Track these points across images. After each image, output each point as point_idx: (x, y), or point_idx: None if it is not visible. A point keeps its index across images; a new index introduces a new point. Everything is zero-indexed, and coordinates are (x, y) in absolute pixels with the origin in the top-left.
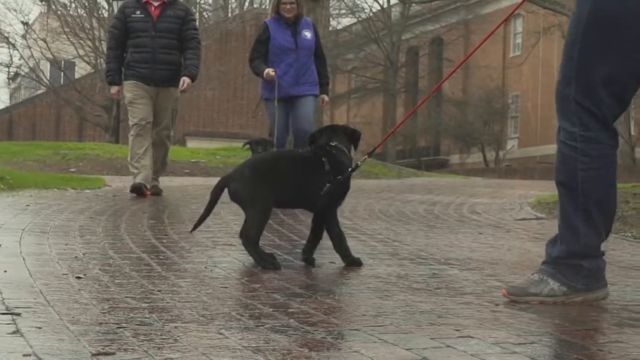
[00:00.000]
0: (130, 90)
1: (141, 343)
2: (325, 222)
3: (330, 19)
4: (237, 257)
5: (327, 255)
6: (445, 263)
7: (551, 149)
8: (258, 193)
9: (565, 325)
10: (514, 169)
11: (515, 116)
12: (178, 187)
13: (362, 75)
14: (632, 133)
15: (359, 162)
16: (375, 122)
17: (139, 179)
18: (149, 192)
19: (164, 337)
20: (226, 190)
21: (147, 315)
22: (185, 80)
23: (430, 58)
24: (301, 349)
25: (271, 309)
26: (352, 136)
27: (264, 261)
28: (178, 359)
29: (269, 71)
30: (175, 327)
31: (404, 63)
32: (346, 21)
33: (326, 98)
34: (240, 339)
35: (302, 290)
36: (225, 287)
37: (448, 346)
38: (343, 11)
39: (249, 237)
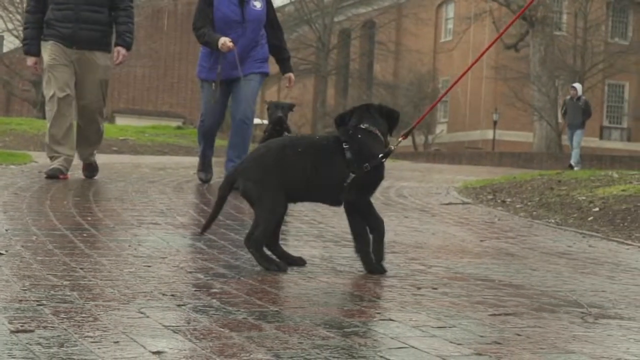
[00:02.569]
0: (48, 52)
1: (61, 321)
2: (362, 216)
3: None
4: (161, 237)
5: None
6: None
7: (479, 134)
8: (266, 189)
9: (485, 309)
10: (442, 153)
11: (445, 101)
12: (105, 165)
13: (294, 56)
14: (560, 120)
15: (392, 147)
16: (306, 104)
17: (56, 164)
18: (66, 177)
19: (84, 315)
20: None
21: (68, 293)
22: (120, 52)
23: (362, 41)
24: (222, 329)
25: (193, 289)
26: (388, 117)
27: (270, 264)
28: (98, 337)
29: (226, 41)
30: (96, 305)
31: (336, 45)
32: (278, 2)
33: (292, 77)
34: (161, 319)
35: (225, 270)
36: (149, 266)
37: (369, 329)
38: None
39: (252, 237)
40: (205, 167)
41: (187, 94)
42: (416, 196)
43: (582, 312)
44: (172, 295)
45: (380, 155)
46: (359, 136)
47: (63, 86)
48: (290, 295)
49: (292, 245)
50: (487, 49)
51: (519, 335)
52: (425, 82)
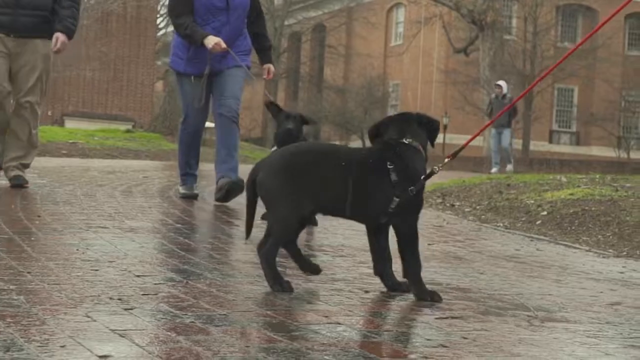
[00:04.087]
0: None
1: (7, 325)
2: (404, 244)
3: None
4: (109, 240)
5: (200, 240)
6: (319, 249)
7: None
8: (286, 193)
9: (432, 312)
10: None
11: (395, 104)
12: (54, 168)
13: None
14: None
15: (436, 168)
16: (255, 107)
17: None
18: None
19: (30, 319)
20: None
21: (15, 297)
22: (59, 38)
23: (312, 44)
24: (169, 333)
25: (141, 293)
26: (429, 128)
27: (275, 282)
28: (44, 341)
29: (220, 42)
30: (43, 309)
31: (286, 48)
32: None
33: (272, 68)
34: (108, 323)
35: (173, 274)
36: (96, 270)
37: (316, 332)
38: None
39: (264, 249)
40: (188, 179)
41: (137, 98)
42: None
43: (529, 316)
44: (120, 299)
45: (423, 177)
46: (404, 155)
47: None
48: (237, 299)
49: (241, 249)
50: (585, 39)
51: (465, 338)
52: (376, 85)
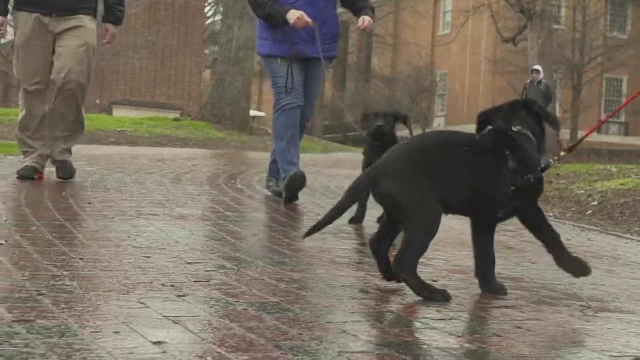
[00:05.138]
0: (21, 27)
1: (61, 311)
2: (537, 228)
3: None
4: (160, 227)
5: (250, 228)
6: (368, 238)
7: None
8: (421, 196)
9: (484, 302)
10: None
11: (443, 94)
12: (103, 156)
13: None
14: (557, 114)
15: (552, 161)
16: None
17: (30, 162)
18: (41, 176)
19: (84, 305)
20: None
21: (68, 283)
22: (109, 30)
23: (360, 34)
24: (222, 320)
25: (193, 280)
26: (540, 117)
27: (429, 292)
28: (98, 327)
29: (302, 16)
30: (96, 295)
31: None
32: None
33: (368, 18)
34: (161, 309)
35: (225, 261)
36: (148, 257)
37: (368, 320)
38: None
39: (404, 261)
40: (295, 169)
41: (185, 86)
42: None
43: (582, 306)
44: (172, 286)
45: (540, 168)
46: (519, 142)
47: (33, 75)
48: (289, 287)
49: (290, 237)
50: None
51: (519, 328)
52: (424, 75)
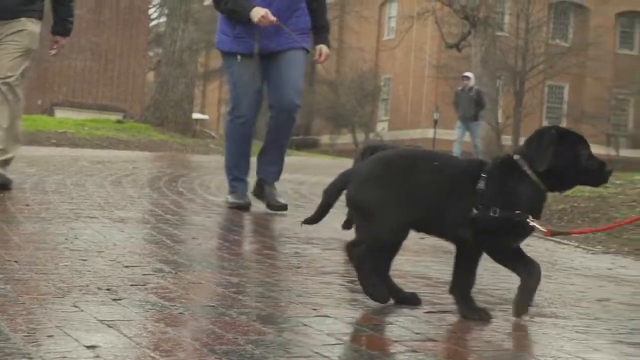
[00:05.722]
0: None
1: None
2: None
3: None
4: (98, 230)
5: (189, 231)
6: (308, 242)
7: (419, 133)
8: (387, 204)
9: (423, 306)
10: None
11: (386, 99)
12: (43, 157)
13: None
14: (499, 120)
15: (532, 222)
16: None
17: None
18: None
19: (17, 308)
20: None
21: (2, 286)
22: (59, 42)
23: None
24: (157, 324)
25: (130, 283)
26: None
27: (375, 293)
28: (31, 331)
29: (267, 14)
30: (30, 298)
31: None
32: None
33: (325, 49)
34: (96, 313)
35: (162, 265)
36: (85, 260)
37: (305, 325)
38: None
39: (362, 263)
40: (239, 186)
41: (128, 88)
42: None
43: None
44: (108, 289)
45: (515, 213)
46: (496, 172)
47: None
48: (227, 291)
49: (229, 241)
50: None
51: (454, 332)
52: (367, 79)
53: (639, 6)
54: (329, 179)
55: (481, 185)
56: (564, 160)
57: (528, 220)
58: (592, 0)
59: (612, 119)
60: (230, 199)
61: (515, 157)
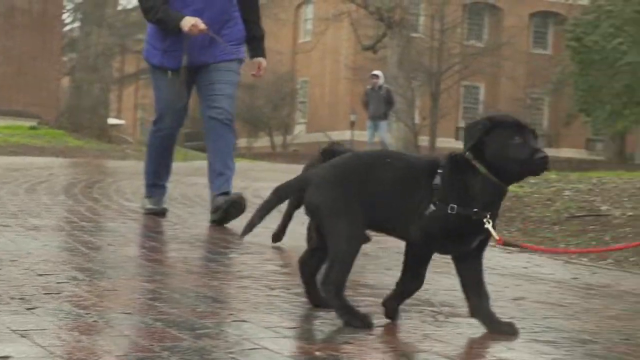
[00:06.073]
0: None
1: None
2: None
3: None
4: (12, 239)
5: (105, 238)
6: (225, 247)
7: (337, 135)
8: (343, 211)
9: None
10: (300, 154)
11: (304, 101)
12: None
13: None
14: (416, 121)
15: (486, 220)
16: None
17: None
18: None
19: None
20: None
21: None
22: None
23: None
24: (71, 333)
25: (44, 292)
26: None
27: (350, 316)
28: None
29: (198, 22)
30: None
31: None
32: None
33: (264, 63)
34: (9, 323)
35: (77, 273)
36: None
37: (221, 330)
38: None
39: (329, 279)
40: (156, 191)
41: (43, 93)
42: None
43: (434, 311)
44: (21, 298)
45: (473, 211)
46: (451, 168)
47: None
48: (142, 298)
49: (146, 247)
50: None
51: (370, 335)
52: (284, 82)
53: (552, 6)
54: (244, 184)
55: (437, 181)
56: (496, 149)
57: (485, 220)
58: (505, 1)
59: (527, 118)
60: (147, 204)
61: (467, 153)
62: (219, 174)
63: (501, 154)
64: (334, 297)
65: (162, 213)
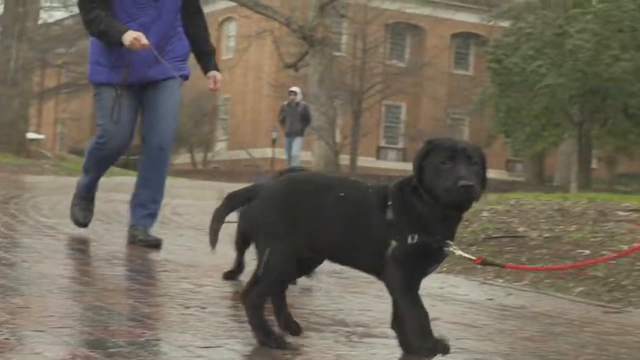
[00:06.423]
0: None
1: None
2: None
3: (42, 11)
4: None
5: (20, 254)
6: (142, 265)
7: (257, 152)
8: (278, 230)
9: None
10: (221, 171)
11: (225, 118)
12: None
13: (74, 70)
14: (337, 140)
15: (452, 249)
16: (84, 119)
17: None
18: None
19: None
20: None
21: None
22: None
23: None
24: None
25: None
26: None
27: (263, 334)
28: None
29: (140, 37)
30: None
31: None
32: (58, 15)
33: (218, 76)
34: None
35: None
36: None
37: (134, 349)
38: (55, 4)
39: (250, 296)
40: (86, 203)
41: None
42: (192, 214)
43: (348, 332)
44: None
45: (435, 238)
46: (405, 197)
47: None
48: (56, 315)
49: (62, 264)
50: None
51: (284, 355)
52: (206, 99)
53: (474, 28)
54: (164, 201)
55: (389, 215)
56: (428, 174)
57: (450, 248)
58: (427, 21)
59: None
60: (74, 213)
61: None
62: (142, 206)
63: (431, 179)
64: (252, 316)
65: (84, 225)
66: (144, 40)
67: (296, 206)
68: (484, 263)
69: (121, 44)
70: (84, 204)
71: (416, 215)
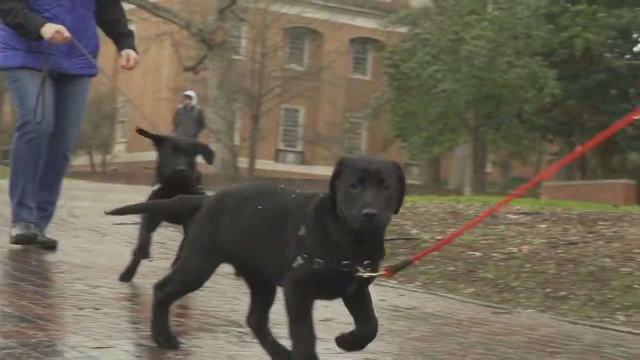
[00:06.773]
0: None
1: None
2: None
3: None
4: None
5: None
6: (37, 266)
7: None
8: (201, 241)
9: (145, 329)
10: (120, 172)
11: (124, 120)
12: None
13: None
14: (236, 143)
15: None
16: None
17: None
18: None
19: None
20: None
21: None
22: None
23: None
24: None
25: None
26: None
27: (160, 335)
28: None
29: (62, 30)
30: None
31: None
32: None
33: (133, 54)
34: None
35: None
36: None
37: (27, 350)
38: None
39: (161, 289)
40: (23, 213)
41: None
42: (88, 216)
43: (240, 332)
44: None
45: (343, 264)
46: (318, 211)
47: None
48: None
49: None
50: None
51: (176, 355)
52: (105, 101)
53: (372, 33)
54: (60, 202)
55: (302, 232)
56: (338, 195)
57: (359, 272)
58: (326, 26)
59: (346, 142)
60: (14, 231)
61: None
62: (39, 207)
63: (340, 202)
64: (154, 313)
65: (32, 238)
66: (66, 33)
67: (219, 220)
68: (395, 272)
69: (39, 37)
70: (26, 215)
71: (328, 236)
